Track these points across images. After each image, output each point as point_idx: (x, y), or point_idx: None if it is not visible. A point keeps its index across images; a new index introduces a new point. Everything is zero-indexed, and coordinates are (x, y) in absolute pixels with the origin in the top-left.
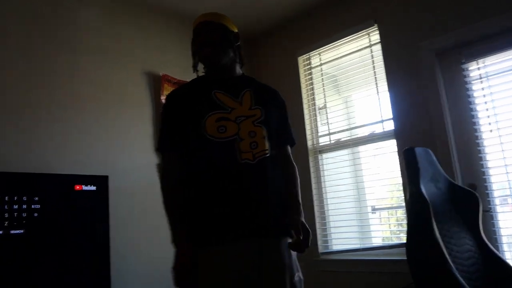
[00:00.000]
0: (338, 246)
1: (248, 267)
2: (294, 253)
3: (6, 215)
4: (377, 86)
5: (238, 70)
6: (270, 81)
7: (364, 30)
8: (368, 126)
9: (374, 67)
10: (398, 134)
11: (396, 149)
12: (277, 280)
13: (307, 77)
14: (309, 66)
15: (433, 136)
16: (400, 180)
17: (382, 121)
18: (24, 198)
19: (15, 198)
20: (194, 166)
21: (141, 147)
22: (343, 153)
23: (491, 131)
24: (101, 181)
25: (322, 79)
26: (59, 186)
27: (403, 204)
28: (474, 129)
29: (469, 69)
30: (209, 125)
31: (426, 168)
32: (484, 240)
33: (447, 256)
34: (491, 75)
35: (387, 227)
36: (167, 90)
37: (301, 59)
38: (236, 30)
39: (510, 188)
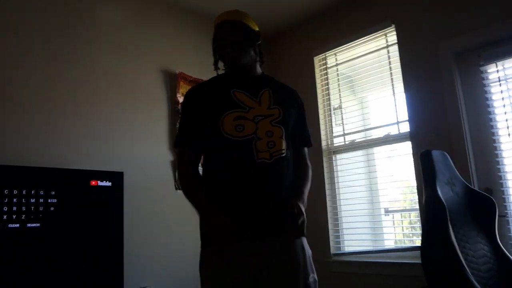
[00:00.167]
0: (351, 247)
1: (258, 267)
2: (309, 254)
3: (24, 208)
4: (393, 88)
5: (258, 69)
6: (285, 81)
7: (381, 31)
8: (383, 127)
9: (390, 68)
10: (414, 136)
11: (411, 151)
12: (289, 281)
13: (322, 77)
14: (325, 66)
15: (450, 139)
16: (414, 183)
17: (397, 123)
18: (41, 192)
19: (33, 192)
20: (212, 165)
21: (156, 144)
22: (357, 154)
23: (509, 135)
24: (117, 177)
25: (338, 79)
26: (75, 181)
27: (417, 206)
28: (492, 132)
29: (488, 71)
30: (227, 123)
31: (443, 172)
32: (500, 246)
33: (462, 260)
34: (510, 78)
35: (400, 230)
36: (183, 87)
37: (317, 59)
38: (257, 29)
39: None
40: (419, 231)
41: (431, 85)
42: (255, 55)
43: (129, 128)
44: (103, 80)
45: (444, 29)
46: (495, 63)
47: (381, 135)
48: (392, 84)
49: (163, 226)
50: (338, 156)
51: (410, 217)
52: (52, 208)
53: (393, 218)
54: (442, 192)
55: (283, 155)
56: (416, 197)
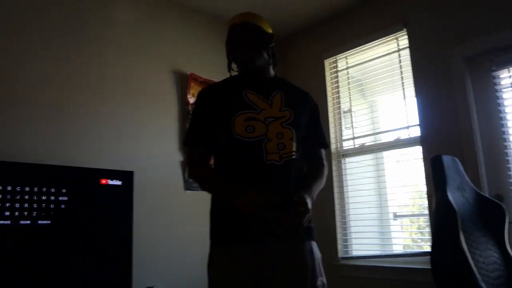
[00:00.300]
0: (358, 251)
1: (265, 268)
2: (318, 257)
3: (35, 205)
4: (403, 92)
5: (271, 71)
6: (295, 83)
7: (392, 34)
8: (393, 131)
9: (401, 72)
10: (424, 141)
11: (421, 156)
12: (296, 283)
13: (333, 80)
14: (335, 69)
15: (461, 145)
16: (423, 188)
17: (408, 127)
18: (52, 190)
19: (44, 189)
20: (223, 166)
21: (166, 145)
22: (367, 158)
23: None
24: (127, 176)
25: (348, 82)
26: (86, 180)
27: (425, 212)
28: (503, 138)
29: (500, 76)
30: (238, 124)
31: (453, 177)
32: (510, 253)
33: (473, 266)
34: None
35: (408, 235)
36: (193, 88)
37: (327, 62)
38: (271, 31)
39: None
40: (427, 237)
41: (442, 89)
42: (268, 57)
43: (139, 127)
44: (115, 79)
45: (456, 33)
46: (508, 68)
47: (391, 139)
48: (403, 88)
49: (172, 226)
50: (347, 159)
51: (418, 222)
52: (62, 206)
53: (401, 223)
54: (453, 197)
55: (293, 157)
56: (425, 202)
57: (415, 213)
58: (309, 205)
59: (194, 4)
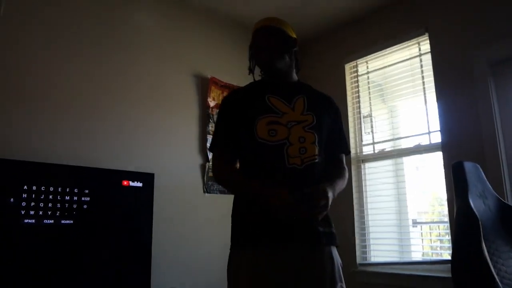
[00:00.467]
0: (377, 258)
1: (285, 273)
2: (339, 263)
3: (58, 205)
4: (425, 97)
5: (294, 76)
6: (315, 87)
7: (414, 39)
8: (413, 137)
9: (423, 77)
10: (445, 147)
11: (441, 162)
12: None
13: (353, 85)
14: (355, 74)
15: (483, 151)
16: (442, 194)
17: (428, 133)
18: (76, 190)
19: (67, 189)
20: (246, 170)
21: (187, 147)
22: (386, 163)
23: None
24: (148, 178)
25: (369, 87)
26: (108, 181)
27: (445, 219)
28: None
29: None
30: (260, 128)
31: (475, 184)
32: None
33: (495, 276)
34: None
35: (427, 242)
36: (214, 92)
37: (348, 66)
38: (295, 36)
39: None
40: (447, 244)
41: (464, 95)
42: (290, 61)
43: (161, 130)
44: (138, 83)
45: (479, 38)
46: None
47: (411, 145)
48: (424, 94)
49: (191, 228)
50: (367, 164)
51: (438, 229)
52: (85, 206)
53: (421, 229)
54: (474, 205)
55: (315, 161)
56: (444, 209)
57: (434, 220)
58: (330, 197)
59: (216, 9)
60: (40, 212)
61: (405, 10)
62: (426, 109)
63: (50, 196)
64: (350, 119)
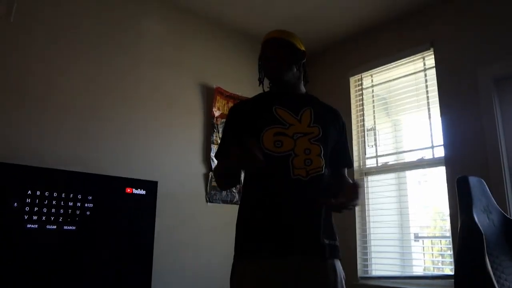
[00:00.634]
0: (378, 271)
1: (287, 283)
2: (341, 276)
3: (61, 211)
4: (429, 111)
5: (302, 88)
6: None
7: (419, 54)
8: (417, 151)
9: (427, 91)
10: (449, 161)
11: (444, 176)
12: None
13: (357, 98)
14: (360, 87)
15: (487, 166)
16: (445, 209)
17: (432, 147)
18: (79, 196)
19: (71, 195)
20: (252, 181)
21: (191, 156)
22: (389, 177)
23: None
24: (151, 186)
25: (373, 100)
26: (111, 187)
27: (447, 234)
28: None
29: None
30: (266, 139)
31: (479, 199)
32: None
33: None
34: None
35: (429, 257)
36: (219, 102)
37: (352, 80)
38: (303, 49)
39: None
40: (448, 259)
41: (469, 110)
42: (299, 73)
43: (165, 138)
44: (143, 89)
45: (484, 54)
46: None
47: (415, 159)
48: (428, 108)
49: (193, 237)
50: (370, 177)
51: (440, 244)
52: (88, 213)
53: (423, 244)
54: (479, 219)
55: (320, 172)
56: (446, 224)
57: (436, 235)
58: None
59: (222, 20)
60: (43, 218)
61: (411, 24)
62: (430, 123)
63: (54, 202)
64: (354, 132)
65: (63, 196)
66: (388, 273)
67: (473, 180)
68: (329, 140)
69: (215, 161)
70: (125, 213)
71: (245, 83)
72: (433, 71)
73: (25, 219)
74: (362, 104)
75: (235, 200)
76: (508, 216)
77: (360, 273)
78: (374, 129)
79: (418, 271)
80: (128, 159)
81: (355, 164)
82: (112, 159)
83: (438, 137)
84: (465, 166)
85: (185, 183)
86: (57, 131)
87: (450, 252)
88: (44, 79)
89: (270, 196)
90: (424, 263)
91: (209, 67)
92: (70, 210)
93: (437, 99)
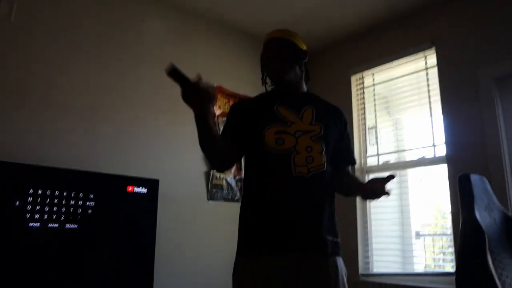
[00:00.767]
0: (379, 269)
1: (289, 281)
2: (343, 273)
3: (63, 209)
4: (430, 110)
5: (304, 87)
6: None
7: (421, 52)
8: (418, 149)
9: (429, 90)
10: (450, 160)
11: (446, 175)
12: None
13: (359, 97)
14: (361, 86)
15: (488, 165)
16: (446, 207)
17: (433, 146)
18: (81, 195)
19: (73, 194)
20: (252, 178)
21: (191, 155)
22: None
23: None
24: (153, 185)
25: (374, 99)
26: (113, 186)
27: (448, 232)
28: None
29: None
30: (268, 137)
31: (481, 197)
32: None
33: None
34: None
35: (430, 254)
36: (220, 101)
37: (354, 78)
38: (305, 48)
39: None
40: (449, 257)
41: (470, 109)
42: (301, 72)
43: (165, 137)
44: (143, 89)
45: (486, 53)
46: None
47: (416, 158)
48: (430, 107)
49: (195, 235)
50: (371, 175)
51: (441, 242)
52: (89, 211)
53: (424, 241)
54: (480, 217)
55: (322, 170)
56: (447, 222)
57: (437, 232)
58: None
59: (223, 19)
60: (45, 216)
61: (412, 23)
62: (432, 122)
63: (55, 200)
64: (355, 130)
65: (64, 194)
66: (389, 270)
67: (475, 178)
68: (330, 138)
69: None
70: (126, 211)
71: (246, 82)
72: (435, 69)
73: (26, 218)
74: (364, 103)
75: (237, 197)
76: (510, 214)
77: (361, 270)
78: (375, 127)
79: (419, 268)
80: (129, 159)
81: (357, 163)
82: (114, 158)
83: (440, 136)
84: (466, 164)
85: (186, 181)
86: (57, 131)
87: (451, 250)
88: (44, 79)
89: (271, 193)
90: (425, 261)
91: (209, 66)
92: (71, 209)
93: (438, 97)
